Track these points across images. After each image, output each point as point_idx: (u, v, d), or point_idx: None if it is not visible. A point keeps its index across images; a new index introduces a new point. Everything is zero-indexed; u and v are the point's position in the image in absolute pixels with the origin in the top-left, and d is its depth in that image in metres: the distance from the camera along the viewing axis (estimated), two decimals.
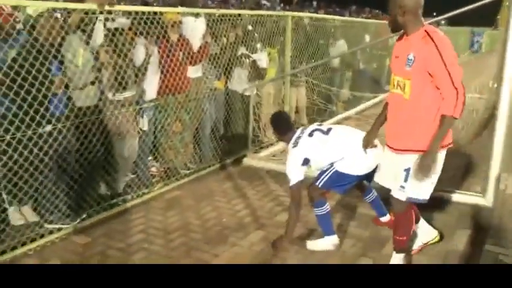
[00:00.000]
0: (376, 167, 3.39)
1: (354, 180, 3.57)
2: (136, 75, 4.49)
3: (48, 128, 3.72)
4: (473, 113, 7.56)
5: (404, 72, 2.99)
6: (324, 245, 3.71)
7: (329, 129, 3.62)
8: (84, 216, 4.10)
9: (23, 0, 3.41)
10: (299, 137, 3.60)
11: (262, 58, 6.34)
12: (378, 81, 10.74)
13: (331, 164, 3.51)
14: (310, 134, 3.59)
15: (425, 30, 2.89)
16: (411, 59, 2.93)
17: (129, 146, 4.55)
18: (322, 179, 3.55)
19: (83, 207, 4.16)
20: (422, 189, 3.07)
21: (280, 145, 6.46)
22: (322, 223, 3.72)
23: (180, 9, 4.93)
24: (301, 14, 7.45)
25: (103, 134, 4.24)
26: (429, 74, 2.85)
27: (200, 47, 5.18)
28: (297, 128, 3.81)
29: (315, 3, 25.25)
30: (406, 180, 3.05)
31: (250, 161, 5.88)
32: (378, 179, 3.36)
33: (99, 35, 4.00)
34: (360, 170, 3.51)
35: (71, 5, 3.84)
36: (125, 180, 4.75)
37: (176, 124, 5.02)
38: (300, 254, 3.66)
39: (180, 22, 4.95)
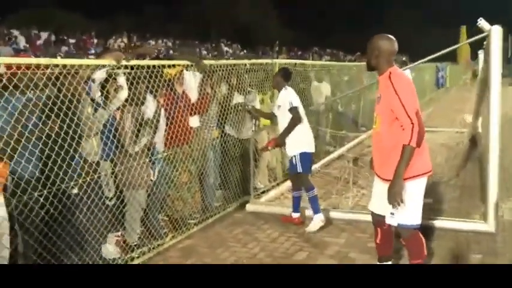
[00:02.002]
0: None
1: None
2: (147, 127, 4.87)
3: (75, 190, 4.04)
4: (457, 146, 8.26)
5: (376, 109, 3.65)
6: (317, 223, 5.31)
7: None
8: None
9: (43, 59, 3.82)
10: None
11: (254, 99, 6.87)
12: (356, 122, 11.43)
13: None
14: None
15: (390, 72, 3.51)
16: (379, 97, 3.59)
17: (142, 197, 4.88)
18: (299, 165, 5.32)
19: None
20: (410, 215, 3.51)
21: (278, 190, 6.91)
22: (313, 203, 5.35)
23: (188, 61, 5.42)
24: (286, 60, 8.07)
25: (118, 187, 4.59)
26: (392, 111, 3.41)
27: (202, 98, 5.64)
28: None
29: (276, 48, 26.52)
30: (394, 207, 3.49)
31: (253, 206, 6.26)
32: (372, 207, 3.83)
33: (123, 91, 4.40)
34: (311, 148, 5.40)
35: (90, 61, 4.25)
36: (138, 232, 5.03)
37: (185, 175, 5.38)
38: None
39: (183, 74, 5.42)
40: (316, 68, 9.42)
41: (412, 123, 3.31)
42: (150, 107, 4.89)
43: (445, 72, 29.98)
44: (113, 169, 4.60)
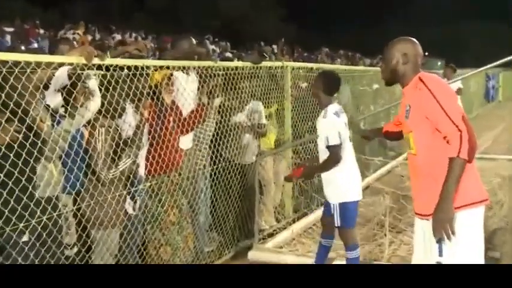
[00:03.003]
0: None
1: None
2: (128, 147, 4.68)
3: (25, 237, 3.82)
4: None
5: (405, 126, 3.60)
6: None
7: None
8: None
9: None
10: (338, 113, 4.97)
11: (259, 109, 6.75)
12: (384, 145, 11.35)
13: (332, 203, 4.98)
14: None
15: (419, 76, 3.50)
16: (408, 110, 3.53)
17: (115, 241, 4.67)
18: (337, 218, 4.94)
19: None
20: (467, 261, 3.30)
21: (288, 232, 6.74)
22: None
23: (193, 62, 5.31)
24: (301, 64, 8.00)
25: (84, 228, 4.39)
26: (427, 119, 3.34)
27: (196, 110, 5.49)
28: None
29: (275, 47, 26.52)
30: (441, 253, 3.30)
31: (257, 254, 6.07)
32: (416, 262, 3.67)
33: (95, 99, 4.24)
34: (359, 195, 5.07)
35: (52, 58, 4.07)
36: None
37: (172, 211, 5.20)
38: None
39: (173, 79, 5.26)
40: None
41: (460, 130, 3.21)
42: (130, 121, 4.74)
43: (497, 81, 29.21)
44: (78, 205, 4.40)
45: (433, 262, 3.36)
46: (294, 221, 7.21)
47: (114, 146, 4.49)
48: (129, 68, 4.58)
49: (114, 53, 5.18)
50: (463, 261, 3.29)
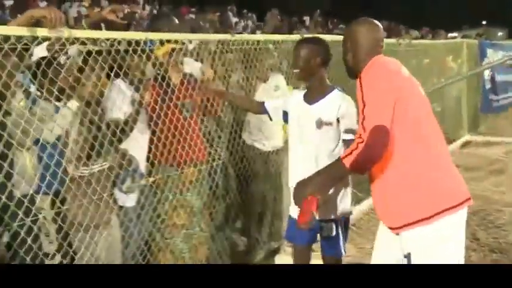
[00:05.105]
0: None
1: None
2: (114, 136, 4.41)
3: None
4: None
5: None
6: None
7: None
8: None
9: None
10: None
11: (281, 84, 6.57)
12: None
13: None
14: None
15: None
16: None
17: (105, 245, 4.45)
18: (342, 243, 4.43)
19: None
20: None
21: None
22: None
23: (193, 35, 5.12)
24: (329, 36, 7.78)
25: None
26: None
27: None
28: None
29: (307, 20, 26.34)
30: None
31: (286, 259, 5.92)
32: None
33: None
34: None
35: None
36: None
37: (178, 214, 5.03)
38: None
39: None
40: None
41: (362, 138, 3.11)
42: (120, 104, 4.50)
43: None
44: (58, 207, 4.15)
45: None
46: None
47: (91, 138, 4.21)
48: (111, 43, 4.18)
49: (88, 22, 4.93)
50: None
